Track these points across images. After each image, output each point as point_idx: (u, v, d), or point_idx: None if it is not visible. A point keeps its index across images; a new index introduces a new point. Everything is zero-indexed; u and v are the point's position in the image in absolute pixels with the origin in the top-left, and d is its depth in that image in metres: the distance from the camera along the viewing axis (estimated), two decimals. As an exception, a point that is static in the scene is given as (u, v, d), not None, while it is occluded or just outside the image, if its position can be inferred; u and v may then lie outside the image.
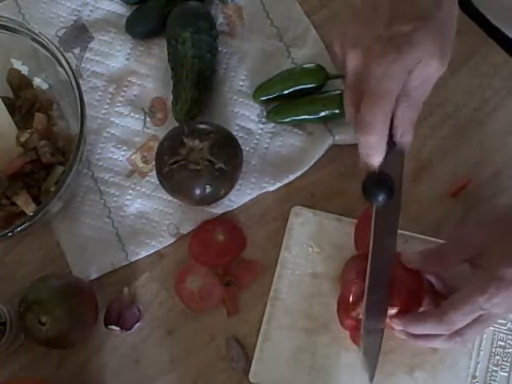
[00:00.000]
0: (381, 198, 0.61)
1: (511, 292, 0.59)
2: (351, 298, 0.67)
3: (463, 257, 0.64)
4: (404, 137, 0.59)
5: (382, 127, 0.57)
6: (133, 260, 0.76)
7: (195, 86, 0.77)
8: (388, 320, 0.66)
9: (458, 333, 0.63)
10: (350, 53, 0.58)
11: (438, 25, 0.56)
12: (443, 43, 0.56)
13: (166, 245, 0.76)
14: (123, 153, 0.80)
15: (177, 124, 0.78)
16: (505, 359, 0.70)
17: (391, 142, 0.59)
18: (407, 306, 0.66)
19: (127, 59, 0.83)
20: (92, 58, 0.83)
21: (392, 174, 0.61)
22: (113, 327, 0.72)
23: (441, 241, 0.72)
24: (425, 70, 0.56)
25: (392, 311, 0.66)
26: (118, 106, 0.81)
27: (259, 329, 0.72)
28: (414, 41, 0.54)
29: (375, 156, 0.59)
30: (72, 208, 0.78)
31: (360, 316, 0.67)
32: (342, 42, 0.59)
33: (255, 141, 0.79)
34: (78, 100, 0.71)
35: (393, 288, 0.66)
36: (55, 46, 0.73)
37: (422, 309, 0.67)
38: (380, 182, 0.61)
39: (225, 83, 0.81)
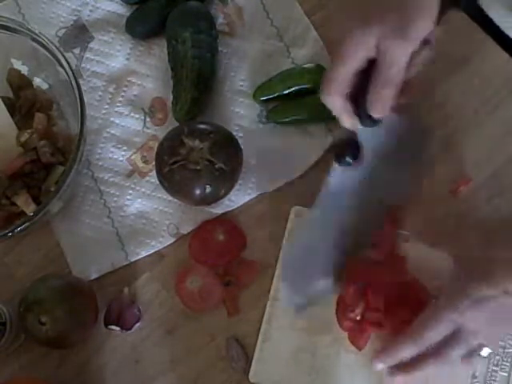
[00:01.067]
0: (346, 159, 0.68)
1: (481, 307, 0.59)
2: (349, 300, 0.68)
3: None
4: (373, 109, 0.63)
5: (336, 87, 0.63)
6: (133, 260, 0.76)
7: (195, 86, 0.77)
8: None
9: (441, 354, 0.62)
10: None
11: (394, 7, 0.61)
12: (404, 23, 0.60)
13: (166, 245, 0.76)
14: (123, 153, 0.80)
15: (177, 124, 0.78)
16: (505, 359, 0.70)
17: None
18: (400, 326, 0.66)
19: (127, 59, 0.83)
20: (92, 58, 0.83)
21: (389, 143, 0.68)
22: (113, 327, 0.72)
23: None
24: (387, 47, 0.60)
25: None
26: (118, 106, 0.81)
27: (259, 329, 0.72)
28: (370, 22, 0.61)
29: (342, 119, 0.65)
30: (72, 208, 0.78)
31: (358, 318, 0.67)
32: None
33: (255, 141, 0.79)
34: (78, 100, 0.71)
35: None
36: (55, 46, 0.73)
37: None
38: (346, 144, 0.68)
39: (225, 83, 0.81)
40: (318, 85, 0.77)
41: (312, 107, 0.77)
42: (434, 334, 0.62)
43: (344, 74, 0.63)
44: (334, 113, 0.65)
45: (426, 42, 0.63)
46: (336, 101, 0.64)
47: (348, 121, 0.65)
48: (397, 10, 0.61)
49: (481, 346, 0.64)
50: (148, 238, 0.76)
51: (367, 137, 0.67)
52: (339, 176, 0.69)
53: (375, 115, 0.63)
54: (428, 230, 0.70)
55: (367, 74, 0.63)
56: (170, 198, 0.77)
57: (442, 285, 0.64)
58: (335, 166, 0.69)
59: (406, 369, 0.65)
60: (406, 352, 0.64)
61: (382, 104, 0.62)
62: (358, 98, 0.64)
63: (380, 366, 0.66)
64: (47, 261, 0.77)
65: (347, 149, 0.68)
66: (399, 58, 0.61)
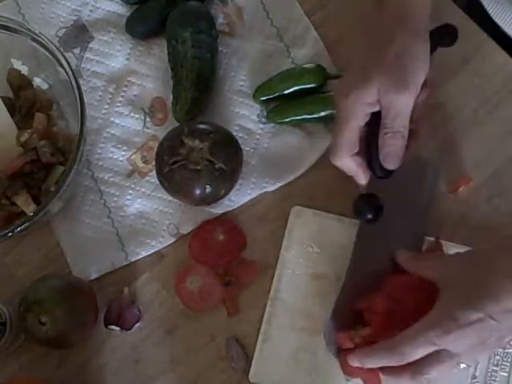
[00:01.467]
0: (368, 216, 0.69)
1: (465, 332, 0.58)
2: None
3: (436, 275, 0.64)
4: (386, 162, 0.65)
5: (346, 151, 0.65)
6: (133, 260, 0.76)
7: (195, 86, 0.77)
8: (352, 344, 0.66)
9: (420, 371, 0.61)
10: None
11: (392, 59, 0.63)
12: (403, 75, 0.62)
13: (166, 245, 0.76)
14: (123, 153, 0.80)
15: (177, 124, 0.78)
16: (505, 359, 0.70)
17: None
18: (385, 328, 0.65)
19: (127, 59, 0.83)
20: (92, 58, 0.83)
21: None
22: (113, 327, 0.72)
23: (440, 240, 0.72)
24: (390, 101, 0.62)
25: (365, 332, 0.66)
26: (118, 106, 0.81)
27: (259, 329, 0.72)
28: (368, 77, 0.62)
29: (357, 177, 0.67)
30: (72, 208, 0.78)
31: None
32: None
33: (255, 141, 0.79)
34: (78, 100, 0.71)
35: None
36: (55, 46, 0.73)
37: None
38: (366, 202, 0.69)
39: (225, 83, 0.81)
40: (318, 85, 0.78)
41: (312, 107, 0.77)
42: (413, 352, 0.60)
43: (350, 137, 0.65)
44: (348, 173, 0.67)
45: (423, 85, 0.64)
46: (348, 163, 0.66)
47: (364, 178, 0.67)
48: (395, 63, 0.62)
49: (458, 364, 0.63)
50: (148, 238, 0.76)
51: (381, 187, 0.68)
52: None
53: (390, 168, 0.65)
54: (415, 259, 0.69)
55: (374, 123, 0.64)
56: (170, 198, 0.77)
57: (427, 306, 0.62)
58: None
59: (382, 371, 0.65)
60: (382, 362, 0.63)
61: (394, 156, 0.64)
62: (368, 150, 0.66)
63: (355, 363, 0.65)
64: (47, 261, 0.77)
65: (368, 205, 0.69)
66: (403, 109, 0.63)
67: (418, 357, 0.60)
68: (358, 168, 0.67)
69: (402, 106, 0.62)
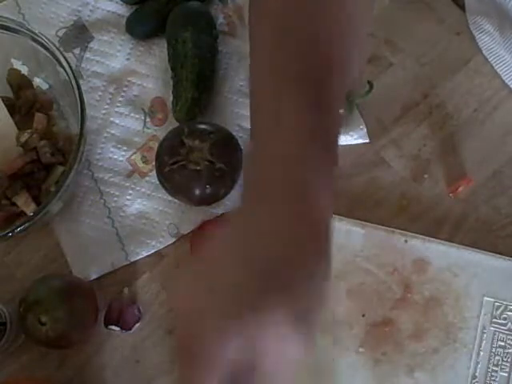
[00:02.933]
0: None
1: None
2: None
3: None
4: None
5: None
6: (133, 260, 0.76)
7: (195, 85, 0.77)
8: None
9: None
10: None
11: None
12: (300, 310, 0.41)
13: (166, 245, 0.76)
14: (123, 153, 0.80)
15: (177, 124, 0.78)
16: (505, 359, 0.70)
17: None
18: None
19: (127, 59, 0.83)
20: (92, 58, 0.83)
21: None
22: (113, 327, 0.72)
23: (440, 241, 0.72)
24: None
25: None
26: (118, 106, 0.81)
27: (259, 329, 0.72)
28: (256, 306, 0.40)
29: None
30: (72, 208, 0.78)
31: None
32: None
33: (255, 141, 0.79)
34: (78, 100, 0.71)
35: None
36: (55, 46, 0.73)
37: None
38: None
39: (225, 83, 0.81)
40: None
41: (312, 107, 0.77)
42: None
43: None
44: None
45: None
46: None
47: None
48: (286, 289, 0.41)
49: None
50: (148, 238, 0.76)
51: None
52: None
53: None
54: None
55: None
56: (170, 198, 0.77)
57: None
58: None
59: None
60: None
61: None
62: None
63: None
64: (47, 261, 0.77)
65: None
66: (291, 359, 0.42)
67: None
68: None
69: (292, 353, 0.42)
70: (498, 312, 0.70)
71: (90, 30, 0.84)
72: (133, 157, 0.80)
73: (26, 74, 0.80)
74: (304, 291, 0.42)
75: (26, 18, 0.84)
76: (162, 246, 0.76)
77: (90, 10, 0.84)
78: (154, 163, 0.75)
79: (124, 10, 0.84)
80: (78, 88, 0.72)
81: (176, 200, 0.76)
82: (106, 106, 0.81)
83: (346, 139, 0.77)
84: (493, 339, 0.70)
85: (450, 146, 0.77)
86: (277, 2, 0.49)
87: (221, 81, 0.81)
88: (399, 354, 0.70)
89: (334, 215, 0.75)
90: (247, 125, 0.79)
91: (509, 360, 0.70)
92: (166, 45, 0.80)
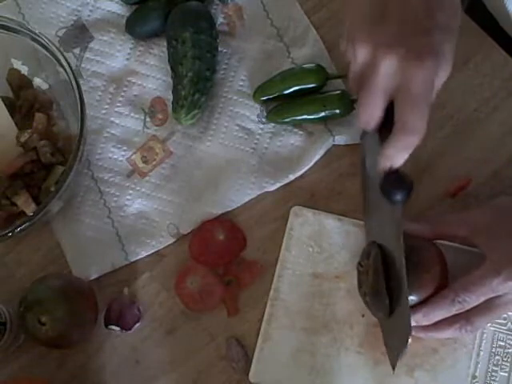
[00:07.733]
0: (400, 196, 0.64)
1: None
2: None
3: (468, 228, 0.66)
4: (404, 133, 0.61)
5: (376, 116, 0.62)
6: (133, 260, 0.76)
7: (195, 86, 0.77)
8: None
9: (470, 321, 0.64)
10: (361, 47, 0.60)
11: (452, 35, 0.60)
12: (453, 51, 0.60)
13: (166, 245, 0.76)
14: (123, 153, 0.80)
15: (177, 124, 0.78)
16: (505, 359, 0.70)
17: None
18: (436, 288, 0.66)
19: (127, 59, 0.83)
20: (92, 58, 0.83)
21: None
22: (113, 327, 0.72)
23: (439, 241, 0.72)
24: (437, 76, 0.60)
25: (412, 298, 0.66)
26: (118, 106, 0.81)
27: (259, 329, 0.72)
28: (439, 52, 0.59)
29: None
30: (72, 208, 0.78)
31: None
32: (352, 38, 0.61)
33: (255, 141, 0.79)
34: (78, 100, 0.71)
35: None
36: (55, 46, 0.73)
37: None
38: (398, 180, 0.64)
39: (225, 83, 0.81)
40: (318, 85, 0.78)
41: (312, 107, 0.77)
42: (476, 300, 0.63)
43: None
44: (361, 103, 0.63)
45: None
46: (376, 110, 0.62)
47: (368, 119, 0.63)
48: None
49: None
50: (148, 237, 0.76)
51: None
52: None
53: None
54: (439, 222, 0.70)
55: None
56: (170, 197, 0.77)
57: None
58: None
59: (429, 331, 0.66)
60: (442, 313, 0.64)
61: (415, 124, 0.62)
62: None
63: (424, 322, 0.65)
64: (47, 261, 0.77)
65: (398, 184, 0.65)
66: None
67: (476, 304, 0.63)
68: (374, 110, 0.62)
69: (439, 79, 0.61)
70: (498, 312, 0.70)
71: (90, 29, 0.84)
72: (133, 157, 0.80)
73: (26, 73, 0.80)
74: (449, 38, 0.59)
75: (26, 18, 0.84)
76: (161, 246, 0.76)
77: (90, 10, 0.84)
78: (153, 163, 0.74)
79: (124, 10, 0.84)
80: (78, 88, 0.72)
81: (176, 200, 0.76)
82: (106, 106, 0.81)
83: (345, 139, 0.77)
84: (493, 339, 0.70)
85: (450, 146, 0.77)
86: None
87: (221, 81, 0.81)
88: (399, 353, 0.70)
89: (334, 215, 0.75)
90: (247, 125, 0.79)
91: (509, 360, 0.70)
92: (165, 45, 0.81)
